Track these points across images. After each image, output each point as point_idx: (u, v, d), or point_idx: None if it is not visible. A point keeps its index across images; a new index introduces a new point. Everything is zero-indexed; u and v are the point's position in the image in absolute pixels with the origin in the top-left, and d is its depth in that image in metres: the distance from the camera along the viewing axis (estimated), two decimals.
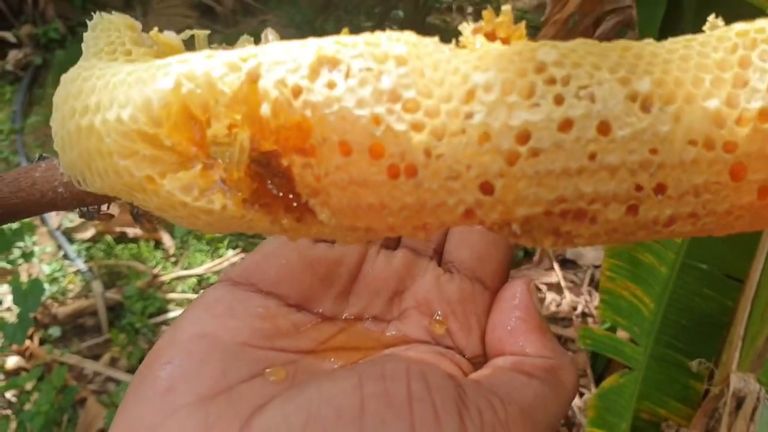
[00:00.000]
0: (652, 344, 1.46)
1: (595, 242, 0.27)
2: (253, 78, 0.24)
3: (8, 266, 2.37)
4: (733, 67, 0.25)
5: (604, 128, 0.24)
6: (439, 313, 0.39)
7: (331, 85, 0.23)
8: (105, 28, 0.31)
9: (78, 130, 0.26)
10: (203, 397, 0.31)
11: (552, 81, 0.24)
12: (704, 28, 0.28)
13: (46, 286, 2.27)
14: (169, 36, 0.31)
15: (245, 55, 0.24)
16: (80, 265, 2.43)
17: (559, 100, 0.23)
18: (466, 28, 0.27)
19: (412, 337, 0.39)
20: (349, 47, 0.24)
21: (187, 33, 0.32)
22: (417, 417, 0.30)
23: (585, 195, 0.24)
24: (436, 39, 0.26)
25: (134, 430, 0.31)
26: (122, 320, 2.22)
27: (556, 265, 2.30)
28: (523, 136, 0.23)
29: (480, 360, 0.39)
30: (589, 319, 2.16)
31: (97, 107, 0.26)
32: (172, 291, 2.38)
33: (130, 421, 0.31)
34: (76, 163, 0.27)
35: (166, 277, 2.41)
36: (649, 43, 0.26)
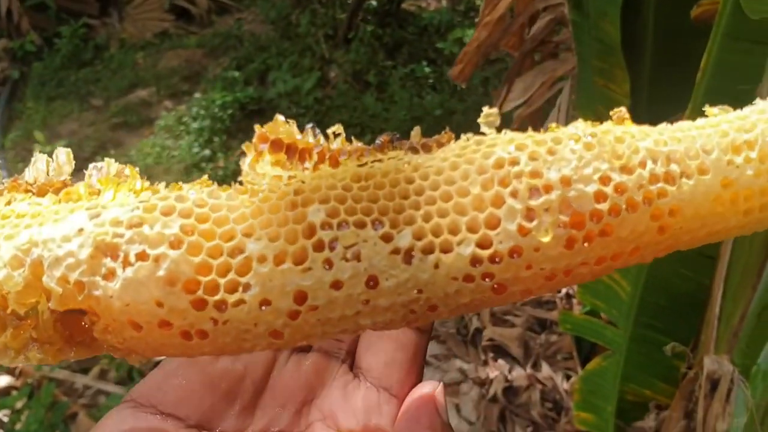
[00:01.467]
0: (632, 326, 1.46)
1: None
2: (37, 274, 0.27)
3: None
4: (487, 207, 0.29)
5: (372, 282, 0.28)
6: (343, 429, 0.40)
7: (110, 276, 0.26)
8: None
9: None
10: None
11: (320, 246, 0.28)
12: (479, 120, 0.31)
13: None
14: None
15: (26, 245, 0.27)
16: None
17: (328, 263, 0.28)
18: (246, 156, 0.30)
19: None
20: (123, 227, 0.27)
21: None
22: None
23: (364, 326, 0.29)
24: (214, 189, 0.29)
25: None
26: None
27: None
28: (300, 297, 0.28)
29: None
30: (574, 301, 2.17)
31: None
32: None
33: None
34: None
35: None
36: (418, 168, 0.29)
